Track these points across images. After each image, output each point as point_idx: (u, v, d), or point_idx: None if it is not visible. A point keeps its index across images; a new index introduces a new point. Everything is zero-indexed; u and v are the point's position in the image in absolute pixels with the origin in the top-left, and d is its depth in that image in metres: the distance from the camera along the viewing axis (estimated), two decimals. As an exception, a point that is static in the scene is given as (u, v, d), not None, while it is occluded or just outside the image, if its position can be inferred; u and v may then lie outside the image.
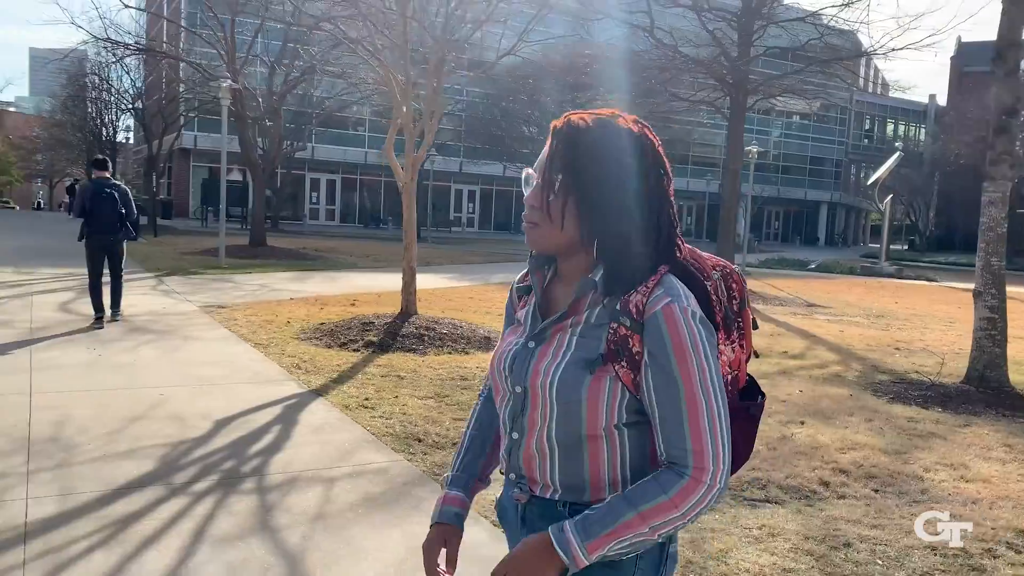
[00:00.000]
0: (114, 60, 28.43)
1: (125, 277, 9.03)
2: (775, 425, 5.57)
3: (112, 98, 42.56)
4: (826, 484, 4.41)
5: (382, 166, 41.18)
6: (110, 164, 9.10)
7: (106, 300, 8.70)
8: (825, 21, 17.51)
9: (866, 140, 59.56)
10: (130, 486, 3.88)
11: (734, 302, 1.42)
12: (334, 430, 5.05)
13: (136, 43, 25.66)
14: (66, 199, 44.89)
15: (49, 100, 63.08)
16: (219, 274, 14.50)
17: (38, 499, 3.65)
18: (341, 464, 4.42)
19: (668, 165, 1.36)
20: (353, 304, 10.83)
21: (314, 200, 41.79)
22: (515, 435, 1.39)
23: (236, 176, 31.11)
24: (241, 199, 31.99)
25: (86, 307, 9.15)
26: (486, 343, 8.12)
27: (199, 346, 7.59)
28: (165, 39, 28.96)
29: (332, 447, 4.69)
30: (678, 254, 1.35)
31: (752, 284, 17.93)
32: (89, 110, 48.53)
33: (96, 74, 39.55)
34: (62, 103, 53.20)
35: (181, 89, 31.34)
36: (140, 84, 36.97)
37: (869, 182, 29.48)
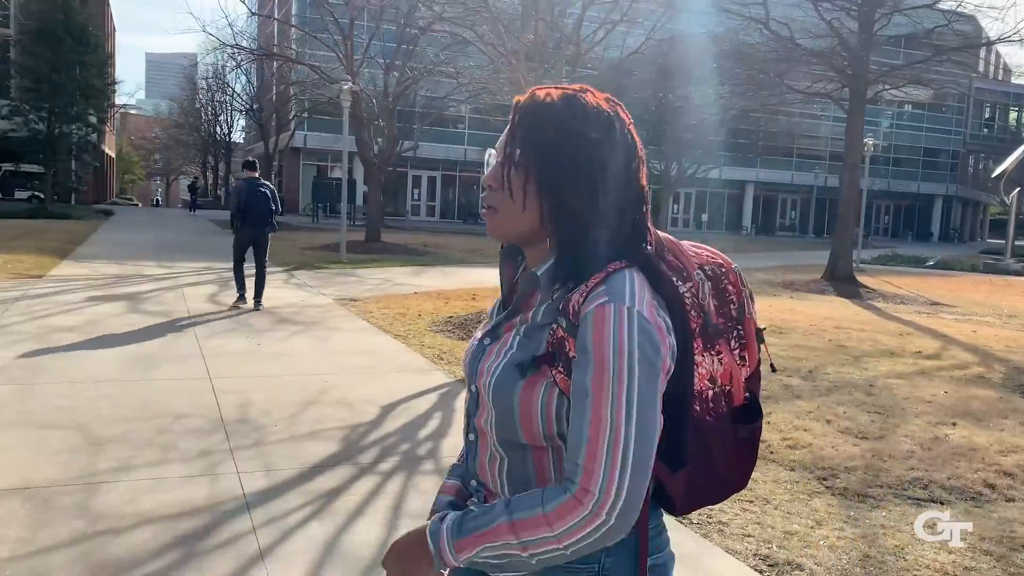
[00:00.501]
0: (235, 65, 30.03)
1: (261, 270, 9.72)
2: (925, 426, 5.49)
3: (228, 99, 44.98)
4: (992, 486, 4.36)
5: (481, 163, 41.80)
6: (259, 165, 9.85)
7: (248, 292, 9.57)
8: (954, 6, 16.74)
9: (985, 129, 56.23)
10: (322, 464, 4.23)
11: (731, 307, 1.26)
12: (489, 419, 5.31)
13: (260, 48, 26.91)
14: (186, 197, 47.40)
15: (167, 102, 67.18)
16: (342, 268, 15.18)
17: (247, 474, 4.04)
18: (506, 451, 4.66)
19: (640, 147, 1.22)
20: (473, 298, 11.17)
21: (415, 197, 42.83)
22: (471, 436, 1.29)
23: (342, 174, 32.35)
24: (349, 196, 33.22)
25: (232, 298, 9.83)
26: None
27: (344, 336, 8.05)
28: (284, 43, 30.24)
29: (493, 435, 4.95)
30: (645, 247, 1.18)
31: (868, 281, 17.35)
32: (206, 112, 51.36)
33: (216, 77, 41.82)
34: (180, 105, 56.57)
35: (292, 92, 32.79)
36: (255, 86, 38.91)
37: (994, 174, 27.92)
